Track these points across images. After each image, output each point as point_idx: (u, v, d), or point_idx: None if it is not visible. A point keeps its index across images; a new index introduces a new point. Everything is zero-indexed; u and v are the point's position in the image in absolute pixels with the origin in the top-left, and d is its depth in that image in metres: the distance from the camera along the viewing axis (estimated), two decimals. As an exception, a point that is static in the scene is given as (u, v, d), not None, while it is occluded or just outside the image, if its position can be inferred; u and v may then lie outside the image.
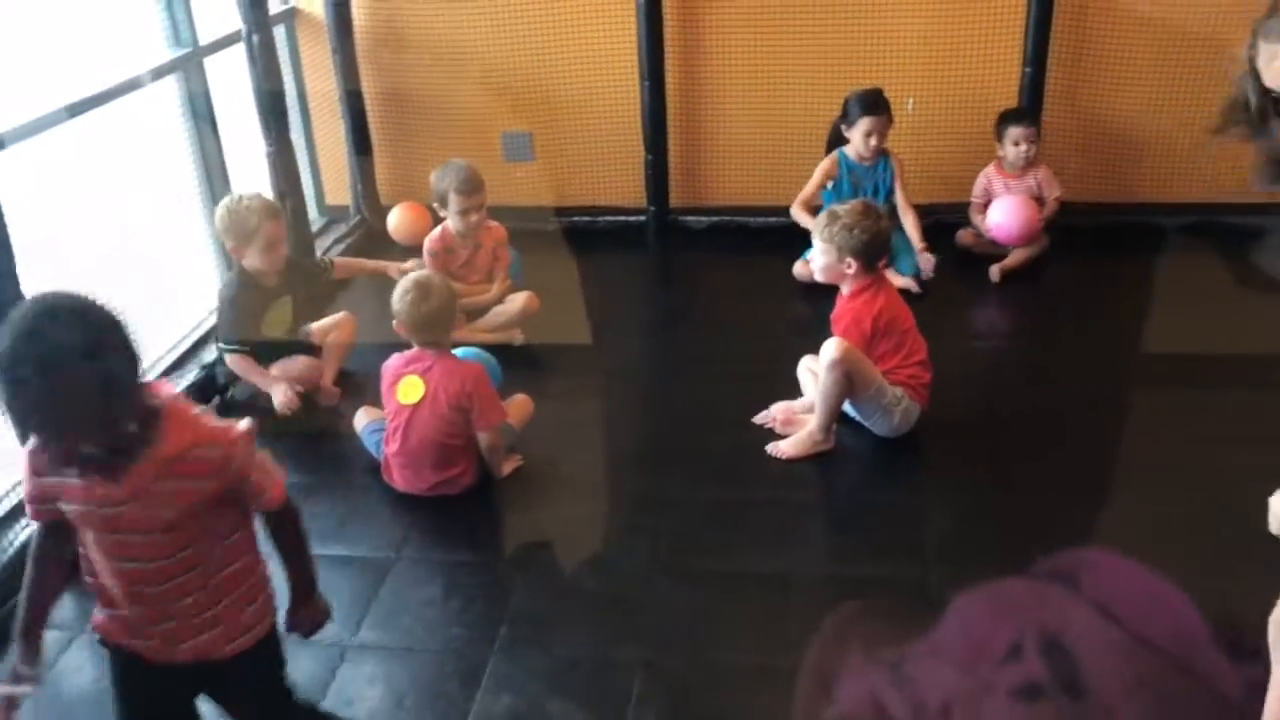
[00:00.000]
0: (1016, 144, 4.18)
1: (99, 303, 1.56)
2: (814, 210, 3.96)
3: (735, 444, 3.14)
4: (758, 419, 3.21)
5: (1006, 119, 4.22)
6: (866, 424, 3.12)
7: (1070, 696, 2.08)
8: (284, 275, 3.44)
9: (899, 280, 3.99)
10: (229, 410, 3.44)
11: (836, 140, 4.18)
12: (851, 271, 3.05)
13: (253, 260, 3.33)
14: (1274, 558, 2.56)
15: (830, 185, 4.16)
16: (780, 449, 3.07)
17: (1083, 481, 2.89)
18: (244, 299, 3.36)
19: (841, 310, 3.10)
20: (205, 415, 1.70)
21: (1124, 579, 2.36)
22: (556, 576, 2.67)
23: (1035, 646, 2.14)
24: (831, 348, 2.97)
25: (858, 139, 4.07)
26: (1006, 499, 2.86)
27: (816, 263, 3.16)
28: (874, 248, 3.03)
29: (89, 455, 1.60)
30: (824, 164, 4.16)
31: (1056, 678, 2.09)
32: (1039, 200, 4.23)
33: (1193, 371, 3.39)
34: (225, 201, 3.34)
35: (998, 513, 2.80)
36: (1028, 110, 4.26)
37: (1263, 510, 2.70)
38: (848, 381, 2.98)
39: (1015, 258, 4.15)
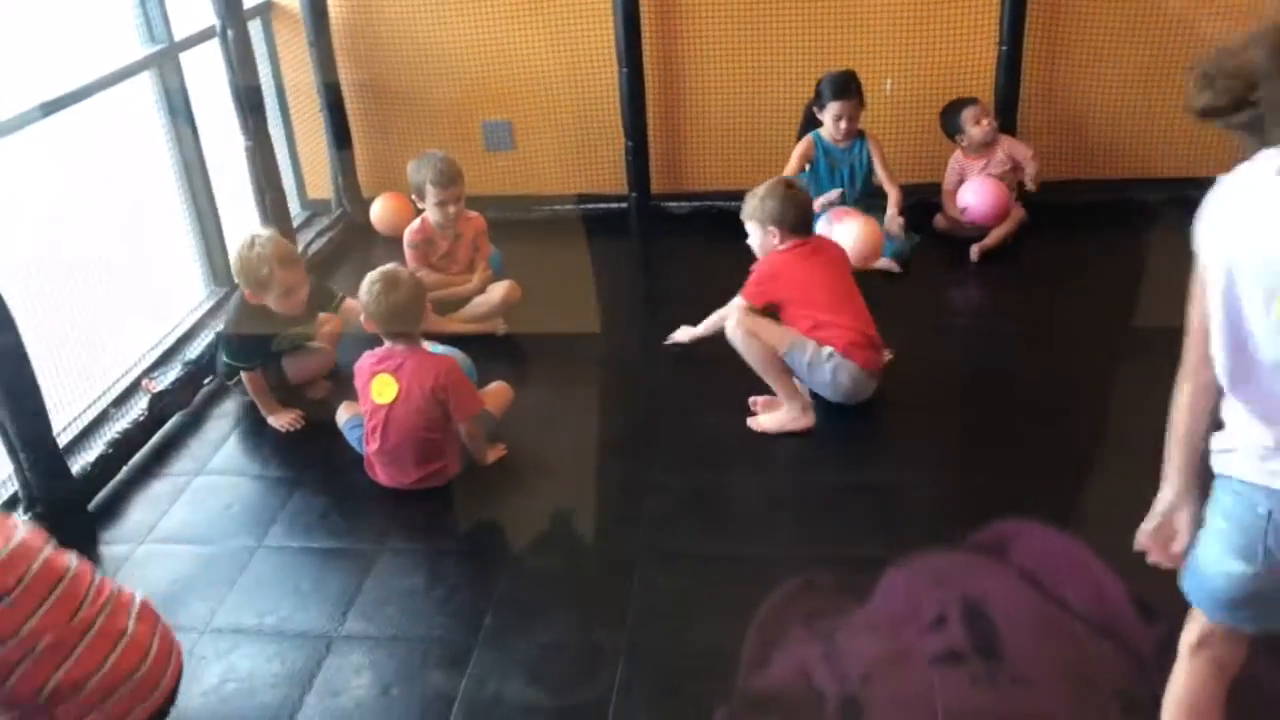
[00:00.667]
0: (977, 122, 4.19)
1: None
2: None
3: (717, 429, 3.16)
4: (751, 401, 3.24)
5: (955, 108, 4.25)
6: (815, 390, 3.15)
7: (990, 662, 2.13)
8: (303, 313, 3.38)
9: (880, 262, 4.01)
10: (212, 400, 3.46)
11: (810, 122, 4.19)
12: (777, 240, 3.15)
13: (275, 305, 3.24)
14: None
15: (808, 168, 4.17)
16: (760, 423, 3.11)
17: (1060, 461, 2.91)
18: (252, 325, 3.29)
19: None
20: None
21: (1047, 548, 2.40)
22: (540, 563, 2.69)
23: (958, 615, 2.18)
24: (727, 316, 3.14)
25: (829, 122, 4.08)
26: (985, 478, 2.88)
27: (753, 244, 3.26)
28: (788, 213, 3.15)
29: None
30: (800, 147, 4.17)
31: (977, 645, 2.13)
32: (1016, 168, 4.25)
33: (1176, 345, 3.40)
34: (238, 245, 3.22)
35: (977, 492, 2.82)
36: (968, 96, 4.28)
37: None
38: (756, 340, 3.09)
39: (993, 236, 4.16)
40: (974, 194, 4.18)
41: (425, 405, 2.87)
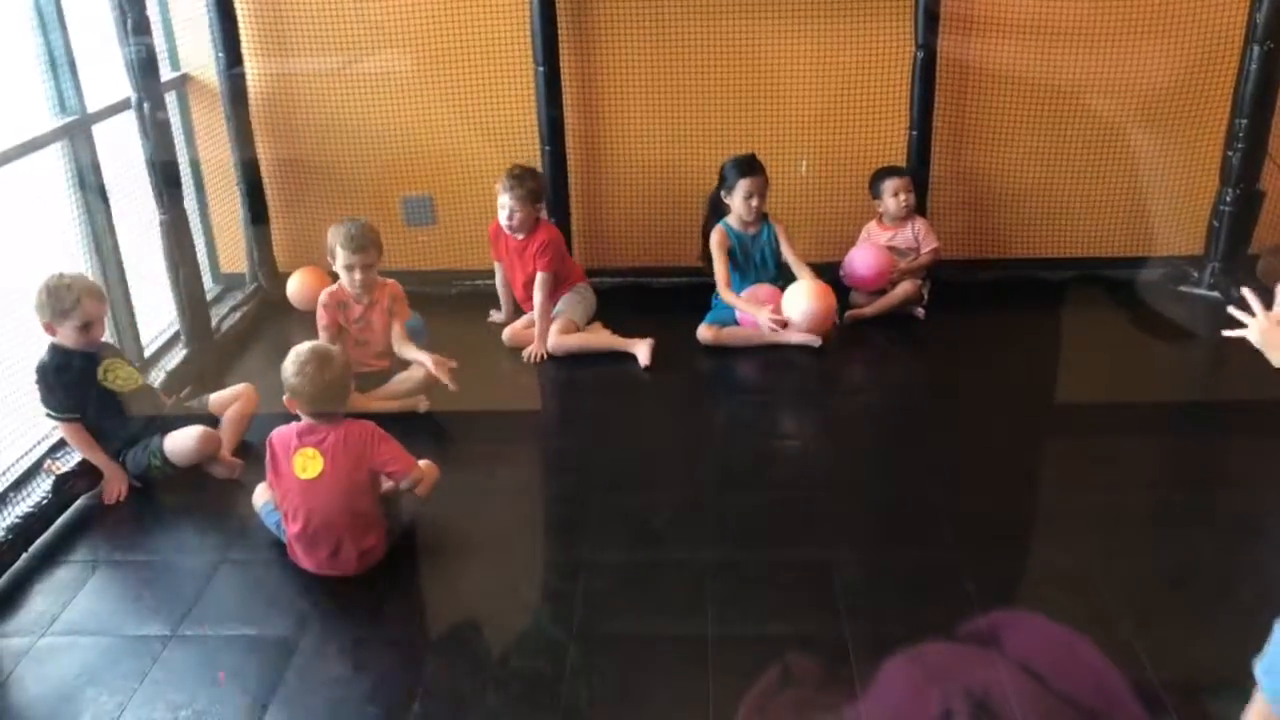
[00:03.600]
0: (896, 194, 4.33)
1: None
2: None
3: (644, 504, 3.14)
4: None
5: (882, 174, 4.39)
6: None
7: None
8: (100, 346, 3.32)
9: (796, 337, 4.07)
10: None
11: (716, 210, 4.26)
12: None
13: (67, 338, 3.18)
14: (1171, 603, 2.67)
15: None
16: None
17: (981, 532, 2.96)
18: (63, 364, 3.20)
19: None
20: None
21: (1043, 637, 2.42)
22: (470, 650, 2.62)
23: (965, 710, 2.17)
24: None
25: (738, 203, 4.15)
26: (910, 551, 2.91)
27: None
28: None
29: None
30: (716, 239, 4.21)
31: None
32: (915, 250, 4.39)
33: (1085, 419, 3.52)
34: (45, 279, 3.17)
35: (904, 566, 2.84)
36: (901, 167, 4.43)
37: (1163, 553, 2.82)
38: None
39: (872, 307, 4.30)
40: (859, 258, 4.31)
41: (355, 475, 2.79)
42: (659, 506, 3.12)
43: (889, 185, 4.34)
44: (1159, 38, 4.23)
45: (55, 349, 3.22)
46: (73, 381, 3.22)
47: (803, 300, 4.06)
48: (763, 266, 4.23)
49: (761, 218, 4.20)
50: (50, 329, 3.19)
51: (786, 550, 2.95)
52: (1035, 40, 4.30)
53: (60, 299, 3.15)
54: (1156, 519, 3.06)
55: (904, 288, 4.31)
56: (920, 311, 4.33)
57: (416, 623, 2.74)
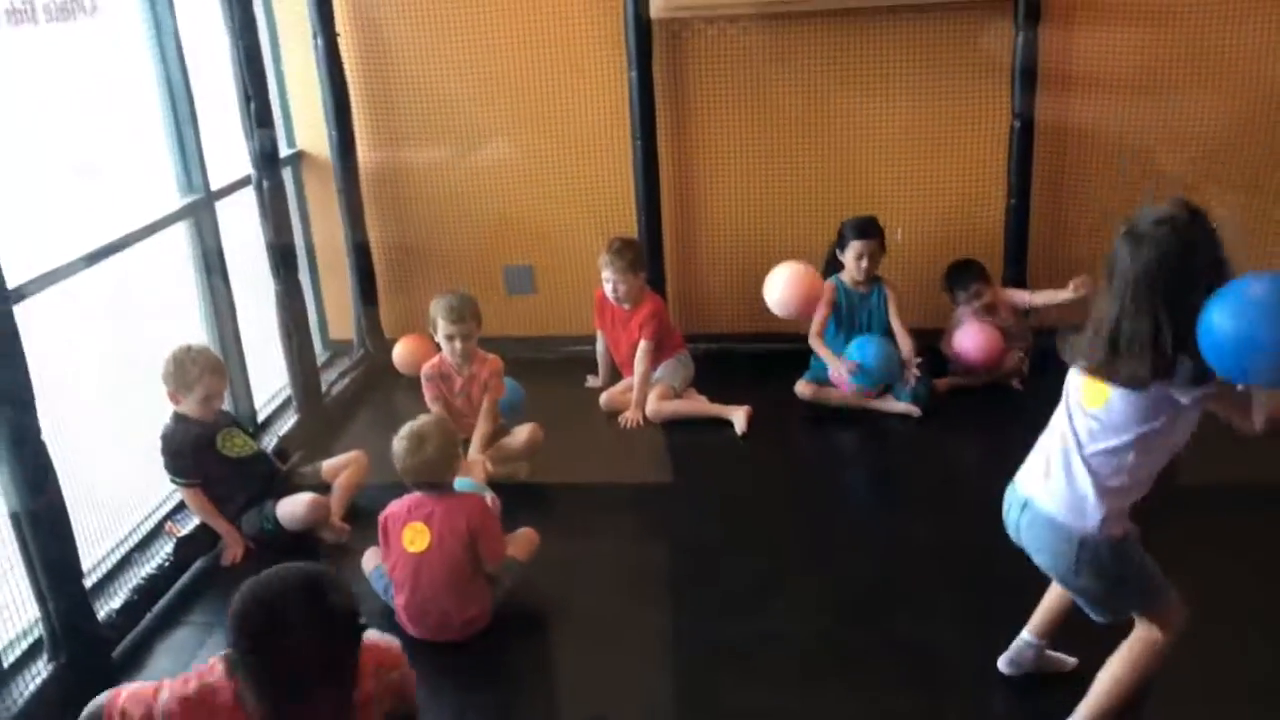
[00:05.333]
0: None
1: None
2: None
3: (739, 573, 3.15)
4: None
5: (963, 273, 4.35)
6: None
7: None
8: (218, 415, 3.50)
9: (897, 406, 4.07)
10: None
11: (833, 266, 4.31)
12: None
13: (189, 408, 3.38)
14: None
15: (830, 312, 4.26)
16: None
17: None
18: (184, 432, 3.38)
19: None
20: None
21: None
22: (576, 715, 2.65)
23: None
24: None
25: (850, 261, 4.19)
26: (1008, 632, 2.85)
27: None
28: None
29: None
30: (824, 293, 4.26)
31: None
32: (1016, 313, 4.37)
33: (1203, 497, 3.42)
34: (173, 351, 3.39)
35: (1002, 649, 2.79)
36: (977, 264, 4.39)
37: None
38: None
39: (971, 378, 4.28)
40: (968, 339, 4.26)
41: (458, 550, 2.87)
42: (754, 576, 3.13)
43: (975, 286, 4.30)
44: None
45: (178, 417, 3.39)
46: (193, 448, 3.38)
47: (778, 288, 4.16)
48: (867, 327, 4.23)
49: (873, 280, 4.23)
50: (174, 398, 3.37)
51: (885, 625, 2.92)
52: (1140, 98, 4.26)
53: (186, 372, 3.35)
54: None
55: (1008, 359, 4.27)
56: (1017, 383, 4.29)
57: (519, 691, 2.78)
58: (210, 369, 3.39)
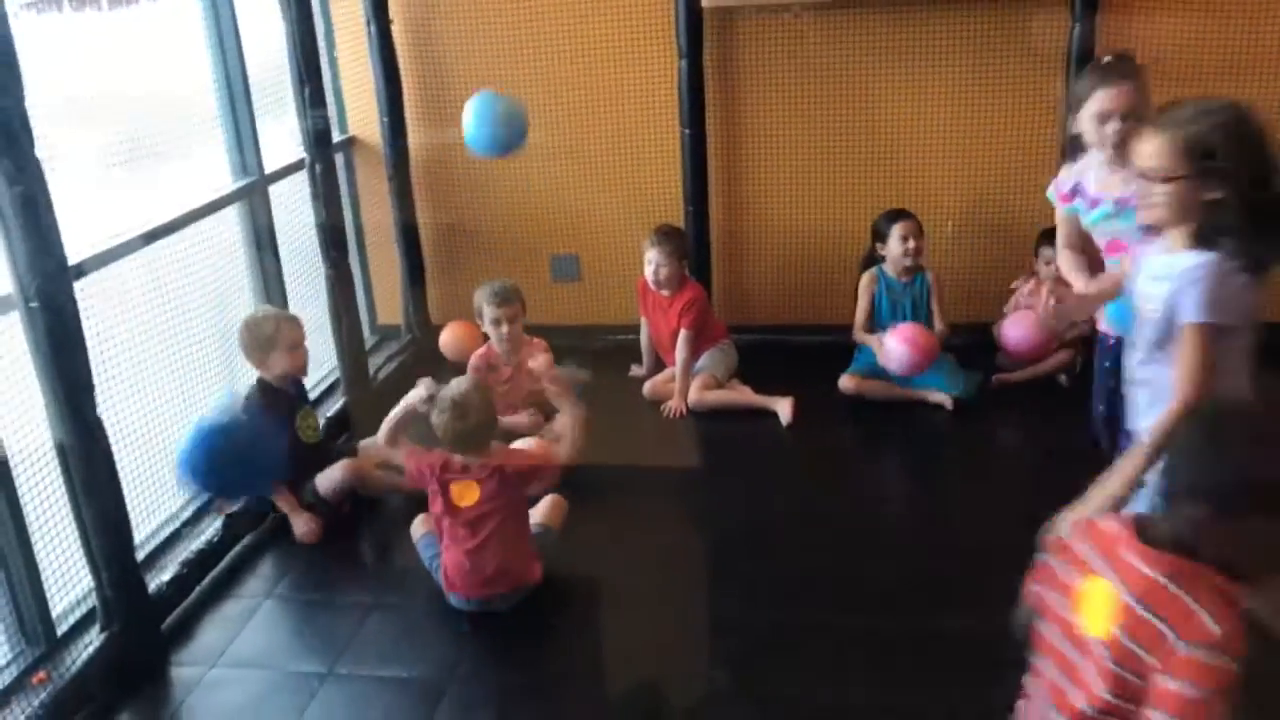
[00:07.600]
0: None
1: None
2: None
3: (781, 565, 3.15)
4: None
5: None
6: None
7: None
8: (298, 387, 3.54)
9: (935, 396, 4.04)
10: (285, 521, 3.48)
11: (871, 264, 4.28)
12: None
13: (279, 365, 3.41)
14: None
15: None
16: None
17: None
18: (263, 403, 3.41)
19: None
20: None
21: None
22: (610, 703, 2.67)
23: None
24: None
25: (895, 246, 4.14)
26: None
27: None
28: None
29: None
30: (865, 282, 4.24)
31: None
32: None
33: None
34: (243, 320, 3.45)
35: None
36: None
37: None
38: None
39: (1021, 373, 4.22)
40: (1013, 330, 4.17)
41: (510, 492, 2.92)
42: (797, 567, 3.13)
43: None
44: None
45: (262, 387, 3.43)
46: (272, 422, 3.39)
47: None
48: (910, 317, 4.17)
49: (918, 267, 4.19)
50: (261, 364, 3.42)
51: (927, 619, 2.91)
52: (1202, 91, 4.16)
53: (261, 329, 3.42)
54: None
55: (1058, 356, 4.21)
56: (1064, 379, 4.23)
57: (562, 674, 2.80)
58: (284, 318, 3.47)
